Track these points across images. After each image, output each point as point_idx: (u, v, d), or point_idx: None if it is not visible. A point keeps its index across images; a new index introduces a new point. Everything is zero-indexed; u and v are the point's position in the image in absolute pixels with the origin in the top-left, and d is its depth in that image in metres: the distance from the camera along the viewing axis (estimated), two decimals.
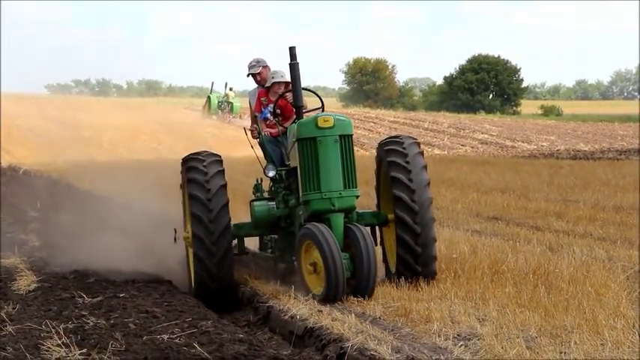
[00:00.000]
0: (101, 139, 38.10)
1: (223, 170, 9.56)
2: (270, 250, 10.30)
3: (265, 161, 10.47)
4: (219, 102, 50.73)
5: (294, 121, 9.66)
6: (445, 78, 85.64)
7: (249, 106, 11.18)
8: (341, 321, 7.61)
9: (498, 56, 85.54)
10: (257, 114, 10.76)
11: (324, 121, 9.08)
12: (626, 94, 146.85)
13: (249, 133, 10.78)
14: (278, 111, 10.36)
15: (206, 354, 6.82)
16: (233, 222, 9.61)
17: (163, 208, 13.70)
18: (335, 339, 7.13)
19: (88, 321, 8.12)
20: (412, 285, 8.96)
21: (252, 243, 10.81)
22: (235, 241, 9.99)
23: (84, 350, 6.91)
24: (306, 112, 9.86)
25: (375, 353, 6.54)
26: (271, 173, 9.95)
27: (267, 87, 10.58)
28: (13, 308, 8.73)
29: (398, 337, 7.09)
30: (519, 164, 29.69)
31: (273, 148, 10.52)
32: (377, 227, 9.85)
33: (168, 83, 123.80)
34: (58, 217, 15.35)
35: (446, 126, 53.72)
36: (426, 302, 8.13)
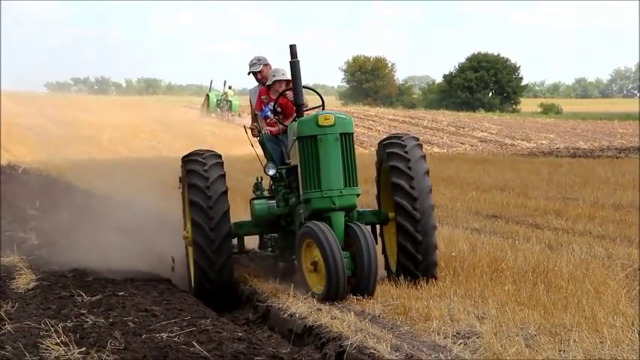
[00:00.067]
0: (100, 138, 38.12)
1: (224, 174, 9.51)
2: (270, 249, 10.28)
3: (265, 159, 10.45)
4: (217, 100, 50.72)
5: (294, 119, 9.64)
6: (444, 76, 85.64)
7: (249, 104, 11.16)
8: (340, 319, 7.61)
9: (498, 54, 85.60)
10: (257, 112, 10.73)
11: (325, 119, 9.04)
12: (625, 92, 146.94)
13: (249, 131, 10.75)
14: (279, 109, 10.34)
15: (205, 352, 6.82)
16: (232, 220, 9.59)
17: (163, 207, 13.70)
18: (334, 337, 7.13)
19: (87, 319, 8.11)
20: (411, 283, 8.95)
21: (251, 242, 10.78)
22: (235, 240, 9.98)
23: (83, 349, 6.91)
24: (306, 110, 9.83)
25: (374, 351, 6.54)
26: (271, 172, 9.92)
27: (268, 85, 10.55)
28: (12, 307, 8.72)
29: (397, 335, 7.09)
30: (519, 162, 29.67)
31: (273, 146, 10.50)
32: (377, 226, 9.83)
33: (167, 81, 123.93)
34: (57, 216, 15.34)
35: (445, 124, 53.72)
36: (425, 300, 8.13)
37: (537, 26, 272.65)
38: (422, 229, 9.08)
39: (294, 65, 9.42)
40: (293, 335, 7.78)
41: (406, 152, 9.28)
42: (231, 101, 50.45)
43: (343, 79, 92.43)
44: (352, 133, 9.20)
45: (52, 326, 7.59)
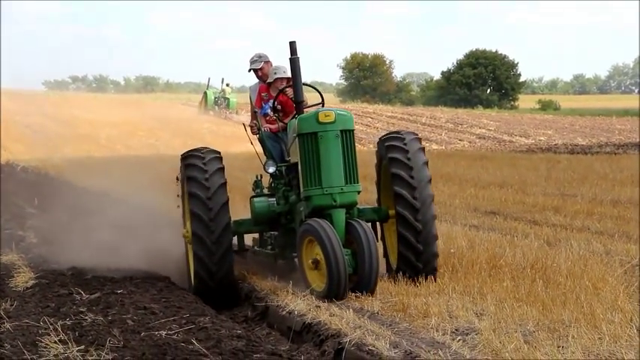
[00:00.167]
0: (98, 136, 38.12)
1: (223, 168, 9.52)
2: (270, 247, 10.27)
3: (265, 157, 10.44)
4: (215, 98, 50.71)
5: (294, 117, 9.62)
6: (443, 73, 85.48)
7: (249, 101, 11.14)
8: (339, 316, 7.61)
9: (496, 51, 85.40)
10: (257, 109, 10.71)
11: (325, 116, 9.02)
12: (623, 88, 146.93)
13: (248, 129, 10.74)
14: (278, 107, 10.32)
15: (204, 350, 6.82)
16: (232, 218, 9.59)
17: (162, 205, 13.69)
18: (333, 334, 7.14)
19: (86, 317, 8.12)
20: (410, 280, 8.95)
21: (251, 241, 10.78)
22: (235, 238, 9.97)
23: (82, 347, 6.90)
24: (306, 107, 9.81)
25: (373, 348, 6.54)
26: (271, 169, 9.92)
27: (269, 82, 10.52)
28: (11, 305, 8.72)
29: (396, 332, 7.10)
30: (517, 159, 29.68)
31: (272, 144, 10.48)
32: (377, 223, 9.83)
33: (165, 79, 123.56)
34: (55, 214, 15.34)
35: (443, 121, 53.69)
36: (424, 297, 8.13)
37: (535, 23, 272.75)
38: (422, 218, 9.08)
39: (294, 62, 9.39)
40: (292, 332, 7.78)
41: (405, 144, 9.32)
42: (228, 99, 50.45)
43: (341, 76, 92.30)
44: (353, 130, 9.19)
45: (51, 324, 7.60)
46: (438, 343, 6.65)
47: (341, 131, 9.04)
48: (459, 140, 44.95)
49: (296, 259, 9.32)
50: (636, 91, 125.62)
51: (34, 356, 6.70)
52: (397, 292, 8.49)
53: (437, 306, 7.69)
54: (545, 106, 77.55)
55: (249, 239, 10.52)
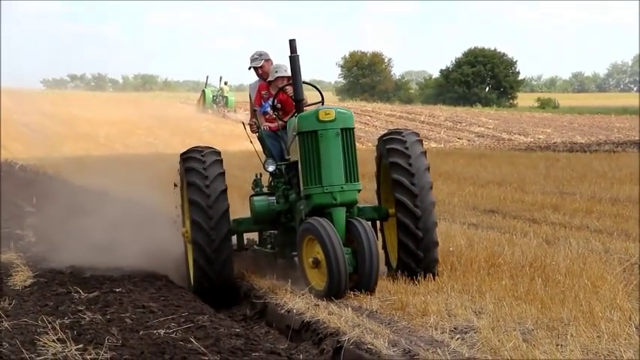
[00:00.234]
0: (97, 135, 38.14)
1: (224, 172, 9.47)
2: (269, 246, 10.25)
3: (264, 156, 10.41)
4: (214, 96, 50.70)
5: (293, 115, 9.59)
6: (441, 71, 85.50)
7: (249, 99, 11.11)
8: (337, 315, 7.61)
9: (495, 49, 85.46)
10: (256, 108, 10.69)
11: (326, 114, 8.98)
12: (622, 86, 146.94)
13: (248, 127, 10.71)
14: (278, 105, 10.30)
15: (202, 348, 6.81)
16: (231, 217, 9.56)
17: (160, 203, 13.68)
18: (331, 333, 7.13)
19: (85, 316, 8.11)
20: (409, 278, 8.94)
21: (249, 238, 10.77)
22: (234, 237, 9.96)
23: (80, 345, 6.90)
24: (306, 106, 9.77)
25: (371, 347, 6.54)
26: (271, 168, 9.89)
27: (270, 81, 10.49)
28: (9, 304, 8.72)
29: (394, 330, 7.09)
30: (516, 157, 29.67)
31: (272, 142, 10.45)
32: (377, 222, 9.81)
33: (164, 77, 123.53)
34: (54, 212, 15.32)
35: (442, 119, 53.70)
36: (423, 295, 8.13)
37: (534, 21, 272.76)
38: (423, 226, 9.04)
39: (294, 60, 9.33)
40: (290, 331, 7.78)
41: (407, 148, 9.24)
42: (227, 97, 50.45)
43: (340, 74, 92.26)
44: (353, 128, 9.14)
45: (50, 323, 7.59)
46: (436, 342, 6.64)
47: (341, 129, 9.00)
48: (458, 138, 44.96)
49: (296, 258, 9.31)
50: (635, 89, 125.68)
51: (33, 355, 6.70)
52: (396, 290, 8.48)
53: (436, 304, 7.69)
54: (544, 105, 77.52)
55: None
